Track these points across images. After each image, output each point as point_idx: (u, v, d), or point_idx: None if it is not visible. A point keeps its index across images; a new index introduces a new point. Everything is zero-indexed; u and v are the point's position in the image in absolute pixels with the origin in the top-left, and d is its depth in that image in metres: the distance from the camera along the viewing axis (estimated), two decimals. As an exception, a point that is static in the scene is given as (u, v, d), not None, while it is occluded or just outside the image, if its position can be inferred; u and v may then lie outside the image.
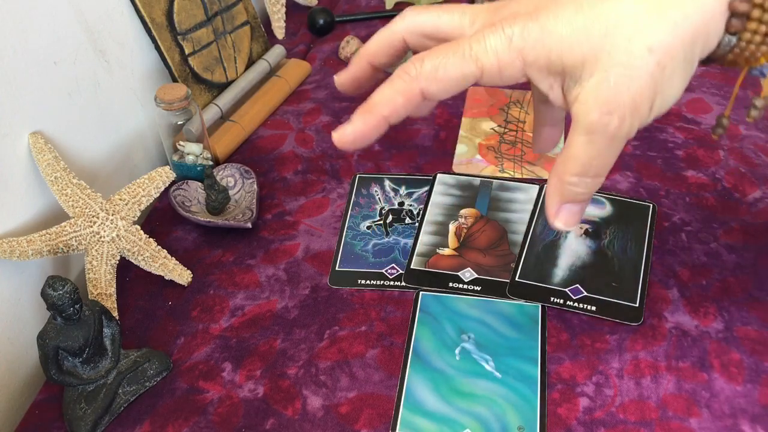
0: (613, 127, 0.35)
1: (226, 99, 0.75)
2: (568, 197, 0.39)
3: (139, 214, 0.58)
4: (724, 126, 0.45)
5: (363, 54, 0.41)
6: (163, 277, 0.58)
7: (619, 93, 0.34)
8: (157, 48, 0.69)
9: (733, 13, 0.34)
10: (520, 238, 0.59)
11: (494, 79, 0.37)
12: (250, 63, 0.81)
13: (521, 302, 0.54)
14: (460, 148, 0.70)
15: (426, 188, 0.65)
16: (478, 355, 0.51)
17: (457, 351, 0.51)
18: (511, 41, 0.35)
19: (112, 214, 0.56)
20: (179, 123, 0.65)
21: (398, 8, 0.96)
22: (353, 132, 0.39)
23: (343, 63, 0.86)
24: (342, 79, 0.43)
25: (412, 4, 0.96)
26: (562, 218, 0.40)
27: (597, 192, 0.62)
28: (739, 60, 0.37)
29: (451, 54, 0.37)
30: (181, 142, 0.66)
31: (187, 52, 0.71)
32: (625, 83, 0.34)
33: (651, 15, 0.34)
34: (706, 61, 0.37)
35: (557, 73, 0.36)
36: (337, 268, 0.59)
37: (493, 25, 0.36)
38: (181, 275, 0.58)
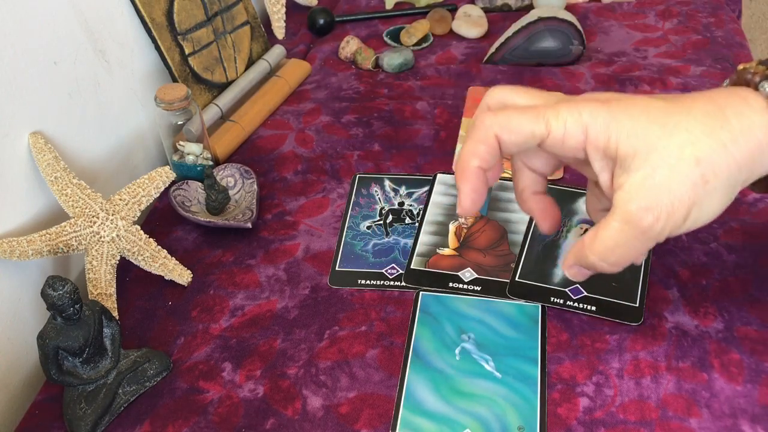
0: (647, 222, 0.38)
1: (226, 99, 0.75)
2: (584, 264, 0.43)
3: (139, 214, 0.58)
4: None
5: (471, 164, 0.43)
6: (163, 277, 0.58)
7: (661, 193, 0.38)
8: (157, 48, 0.69)
9: None
10: (520, 238, 0.59)
11: (557, 145, 0.41)
12: (250, 63, 0.81)
13: (521, 302, 0.54)
14: (460, 148, 0.70)
15: (426, 188, 0.65)
16: (478, 355, 0.51)
17: (457, 351, 0.51)
18: (581, 116, 0.40)
19: (112, 214, 0.56)
20: (179, 123, 0.65)
21: (398, 8, 0.96)
22: (464, 198, 0.44)
23: (344, 63, 0.86)
24: (467, 205, 0.45)
25: (412, 4, 0.96)
26: (572, 272, 0.45)
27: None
28: None
29: (526, 113, 0.41)
30: (181, 142, 0.66)
31: (187, 52, 0.71)
32: (667, 185, 0.37)
33: (705, 131, 0.38)
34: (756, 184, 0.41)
35: (611, 158, 0.40)
36: (337, 268, 0.59)
37: (569, 102, 0.41)
38: (181, 275, 0.58)
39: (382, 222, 0.63)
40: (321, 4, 0.97)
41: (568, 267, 0.45)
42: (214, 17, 0.75)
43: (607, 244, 0.40)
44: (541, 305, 0.54)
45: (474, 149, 0.42)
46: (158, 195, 0.60)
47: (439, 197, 0.64)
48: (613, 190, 0.40)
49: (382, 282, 0.57)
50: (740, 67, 0.41)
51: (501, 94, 0.44)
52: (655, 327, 0.52)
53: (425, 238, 0.60)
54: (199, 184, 0.67)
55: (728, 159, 0.37)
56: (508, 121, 0.41)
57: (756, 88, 0.39)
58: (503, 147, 0.42)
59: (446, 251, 0.59)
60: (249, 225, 0.61)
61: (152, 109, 0.71)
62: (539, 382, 0.49)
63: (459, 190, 0.44)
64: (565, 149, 0.41)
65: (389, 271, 0.58)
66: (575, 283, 0.55)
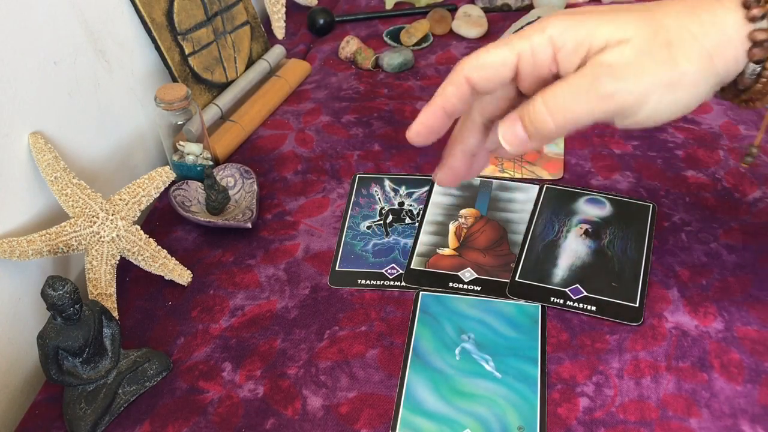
0: (603, 83, 0.38)
1: (226, 99, 0.75)
2: (521, 112, 0.41)
3: (139, 214, 0.58)
4: (754, 155, 0.48)
5: (435, 101, 0.43)
6: (163, 277, 0.58)
7: (629, 67, 0.38)
8: (157, 48, 0.69)
9: (754, 42, 0.37)
10: (520, 238, 0.59)
11: (528, 64, 0.40)
12: (250, 63, 0.81)
13: (521, 302, 0.54)
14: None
15: (426, 188, 0.65)
16: (478, 355, 0.51)
17: (457, 351, 0.51)
18: (544, 31, 0.40)
19: (112, 214, 0.56)
20: (179, 123, 0.65)
21: (398, 8, 0.96)
22: (419, 124, 0.43)
23: (344, 63, 0.86)
24: (414, 130, 0.44)
25: (412, 4, 0.96)
26: (506, 127, 0.42)
27: (597, 192, 0.62)
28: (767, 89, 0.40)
29: (493, 46, 0.41)
30: (181, 142, 0.66)
31: (187, 52, 0.71)
32: (638, 61, 0.38)
33: (677, 24, 0.38)
34: (739, 94, 0.40)
35: (583, 55, 0.39)
36: (337, 268, 0.59)
37: (534, 23, 0.41)
38: (181, 275, 0.58)
39: (382, 222, 0.63)
40: (321, 4, 0.97)
41: (508, 120, 0.42)
42: (214, 17, 0.75)
43: (561, 93, 0.39)
44: (541, 305, 0.54)
45: (441, 90, 0.42)
46: (158, 195, 0.60)
47: (439, 197, 0.64)
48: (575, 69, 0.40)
49: (382, 282, 0.57)
50: None
51: (476, 58, 0.44)
52: (655, 327, 0.52)
53: (425, 238, 0.60)
54: (199, 184, 0.67)
55: (699, 48, 0.38)
56: (476, 58, 0.41)
57: None
58: (477, 88, 0.42)
59: (446, 251, 0.59)
60: (249, 225, 0.61)
61: (152, 109, 0.71)
62: (539, 382, 0.49)
63: (418, 117, 0.43)
64: (537, 66, 0.40)
65: (389, 271, 0.58)
66: (575, 283, 0.55)
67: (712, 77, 0.38)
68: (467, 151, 0.46)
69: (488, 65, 0.41)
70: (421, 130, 0.43)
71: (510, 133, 0.41)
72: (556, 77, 0.41)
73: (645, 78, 0.38)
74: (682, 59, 0.38)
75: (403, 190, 0.66)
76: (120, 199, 0.57)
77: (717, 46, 0.38)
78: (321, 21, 0.91)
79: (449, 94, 0.42)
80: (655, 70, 0.38)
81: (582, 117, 0.39)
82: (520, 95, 0.44)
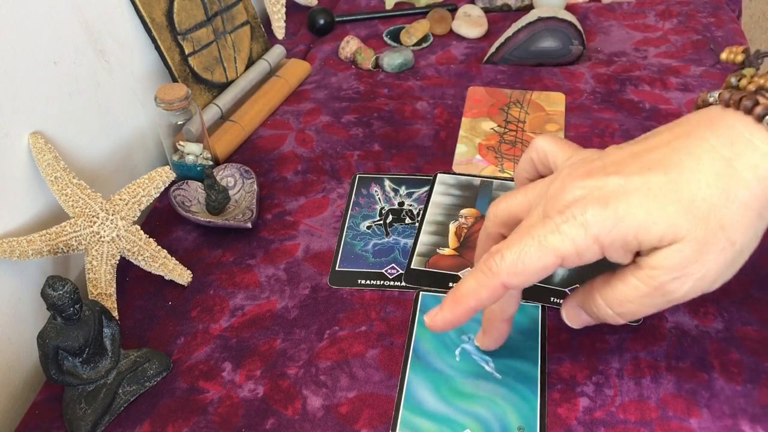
0: (673, 289, 0.38)
1: (226, 99, 0.75)
2: (586, 308, 0.43)
3: (139, 214, 0.58)
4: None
5: (468, 306, 0.42)
6: (163, 277, 0.58)
7: (689, 263, 0.37)
8: (157, 48, 0.69)
9: None
10: (520, 238, 0.59)
11: (574, 263, 0.39)
12: (250, 63, 0.81)
13: (521, 302, 0.54)
14: (460, 148, 0.70)
15: (426, 188, 0.65)
16: (478, 356, 0.51)
17: (457, 352, 0.51)
18: (587, 229, 0.37)
19: (112, 214, 0.56)
20: (179, 123, 0.65)
21: (398, 8, 0.96)
22: (443, 320, 0.43)
23: (344, 63, 0.86)
24: (440, 325, 0.44)
25: (412, 4, 0.96)
26: (570, 314, 0.45)
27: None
28: None
29: (528, 246, 0.38)
30: (181, 142, 0.66)
31: (187, 52, 0.71)
32: (695, 257, 0.36)
33: (722, 196, 0.36)
34: None
35: (633, 249, 0.38)
36: (337, 268, 0.59)
37: (563, 213, 0.38)
38: (181, 275, 0.58)
39: (382, 222, 0.63)
40: (321, 4, 0.97)
41: (570, 307, 0.44)
42: (214, 17, 0.75)
43: (623, 295, 0.39)
44: (541, 305, 0.54)
45: (476, 292, 0.41)
46: (158, 195, 0.60)
47: (439, 197, 0.64)
48: (637, 264, 0.39)
49: (382, 282, 0.57)
50: (723, 56, 0.40)
51: (499, 210, 0.44)
52: (655, 327, 0.52)
53: (425, 238, 0.60)
54: (199, 184, 0.67)
55: (750, 215, 0.36)
56: (514, 266, 0.39)
57: (758, 119, 0.37)
58: (512, 288, 0.40)
59: (446, 251, 0.59)
60: (249, 225, 0.61)
61: (152, 109, 0.71)
62: (539, 382, 0.49)
63: (442, 309, 0.43)
64: (583, 261, 0.39)
65: (389, 271, 0.58)
66: (575, 283, 0.55)
67: (761, 230, 0.38)
68: (508, 319, 0.47)
69: (528, 273, 0.39)
70: (445, 326, 0.43)
71: (576, 319, 0.45)
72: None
73: (710, 271, 0.37)
74: (737, 235, 0.36)
75: (403, 190, 0.66)
76: (120, 199, 0.57)
77: (766, 202, 0.36)
78: (321, 21, 0.91)
79: (483, 298, 0.41)
80: (717, 258, 0.37)
81: (648, 312, 0.40)
82: None
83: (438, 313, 0.43)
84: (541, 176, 0.46)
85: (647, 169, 0.37)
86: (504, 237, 0.45)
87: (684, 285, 0.37)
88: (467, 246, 0.59)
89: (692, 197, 0.36)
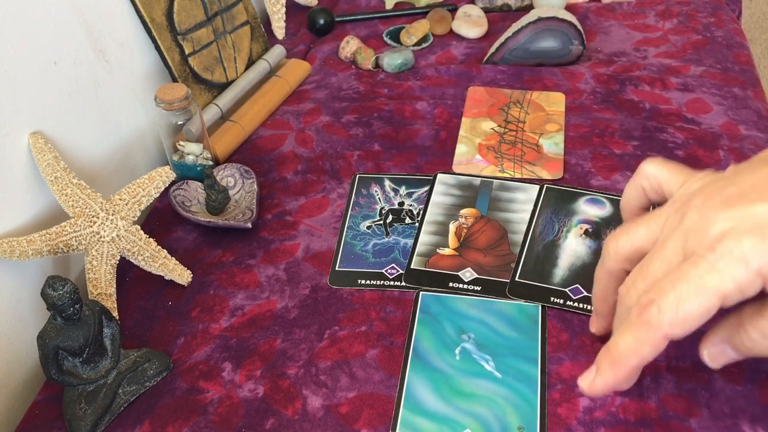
0: None
1: (226, 99, 0.75)
2: (736, 343, 0.40)
3: (139, 214, 0.58)
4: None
5: (631, 366, 0.40)
6: (163, 277, 0.58)
7: None
8: (157, 48, 0.69)
9: None
10: (520, 238, 0.59)
11: (736, 300, 0.36)
12: (250, 63, 0.81)
13: (521, 302, 0.54)
14: (460, 148, 0.70)
15: (426, 188, 0.65)
16: (478, 355, 0.51)
17: (457, 351, 0.51)
18: (748, 263, 0.35)
19: (112, 214, 0.56)
20: (179, 123, 0.65)
21: (398, 8, 0.96)
22: (605, 384, 0.40)
23: (344, 63, 0.86)
24: (600, 390, 0.42)
25: (412, 4, 0.96)
26: (715, 354, 0.42)
27: (597, 192, 0.62)
28: None
29: (685, 291, 0.36)
30: (181, 142, 0.66)
31: (187, 52, 0.71)
32: None
33: None
34: None
35: None
36: (337, 268, 0.59)
37: (715, 249, 0.36)
38: (181, 275, 0.58)
39: (382, 222, 0.63)
40: (321, 4, 0.97)
41: (712, 345, 0.42)
42: (214, 17, 0.75)
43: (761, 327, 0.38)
44: (541, 305, 0.54)
45: (638, 350, 0.39)
46: (158, 195, 0.60)
47: (439, 197, 0.64)
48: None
49: (382, 282, 0.57)
50: None
51: (619, 247, 0.43)
52: (655, 327, 0.52)
53: (425, 238, 0.60)
54: (199, 184, 0.67)
55: None
56: (675, 315, 0.36)
57: None
58: (674, 338, 0.38)
59: (446, 251, 0.59)
60: (249, 225, 0.61)
61: (152, 109, 0.71)
62: (539, 382, 0.49)
63: (600, 371, 0.41)
64: (745, 297, 0.36)
65: (389, 271, 0.58)
66: (575, 283, 0.55)
67: None
68: (639, 366, 0.43)
69: (691, 320, 0.36)
70: (607, 390, 0.41)
71: (721, 358, 0.42)
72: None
73: None
74: None
75: (403, 190, 0.66)
76: (120, 199, 0.57)
77: None
78: (321, 21, 0.91)
79: (646, 353, 0.39)
80: None
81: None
82: None
83: (597, 377, 0.41)
84: (652, 203, 0.44)
85: None
86: (627, 272, 0.42)
87: None
88: (467, 246, 0.59)
89: None
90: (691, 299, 0.36)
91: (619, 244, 0.43)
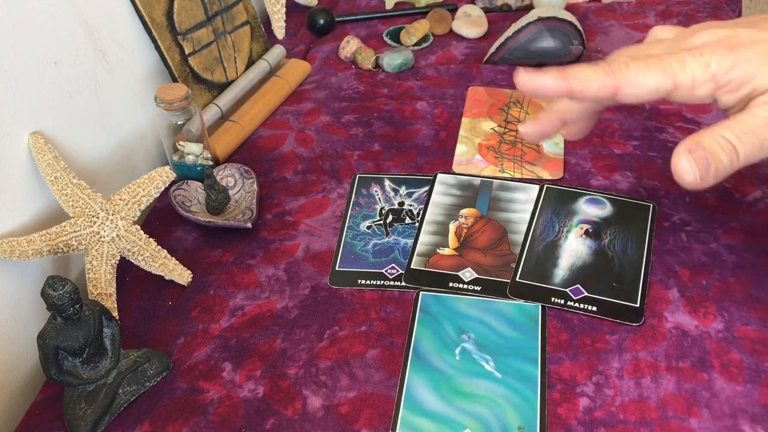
0: None
1: (226, 99, 0.75)
2: (705, 141, 0.41)
3: (139, 214, 0.58)
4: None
5: (570, 86, 0.44)
6: (163, 277, 0.58)
7: None
8: (157, 48, 0.69)
9: None
10: (520, 238, 0.59)
11: (684, 95, 0.42)
12: (250, 63, 0.81)
13: (521, 302, 0.54)
14: (460, 148, 0.70)
15: (426, 188, 0.65)
16: (478, 355, 0.51)
17: (457, 351, 0.51)
18: (708, 66, 0.41)
19: (112, 214, 0.56)
20: (179, 123, 0.65)
21: (398, 8, 0.96)
22: (541, 82, 0.44)
23: (344, 63, 0.86)
24: (528, 130, 0.49)
25: (412, 4, 0.96)
26: (684, 159, 0.42)
27: (597, 192, 0.62)
28: None
29: (654, 66, 0.42)
30: (181, 142, 0.66)
31: (187, 52, 0.71)
32: None
33: None
34: None
35: (745, 93, 0.41)
36: (337, 268, 0.59)
37: (693, 50, 0.42)
38: (181, 275, 0.58)
39: (382, 222, 0.63)
40: (321, 4, 0.97)
41: (684, 152, 0.42)
42: (214, 17, 0.75)
43: (747, 125, 0.41)
44: (541, 305, 0.54)
45: (587, 79, 0.43)
46: (158, 195, 0.60)
47: (439, 197, 0.64)
48: (741, 107, 0.42)
49: (382, 282, 0.57)
50: None
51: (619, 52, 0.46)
52: (655, 327, 0.52)
53: (425, 238, 0.60)
54: (199, 184, 0.67)
55: None
56: (635, 77, 0.42)
57: None
58: (619, 98, 0.43)
59: (446, 251, 0.59)
60: (249, 225, 0.61)
61: (152, 109, 0.71)
62: (539, 382, 0.49)
63: (544, 73, 0.44)
64: (693, 98, 0.42)
65: (389, 271, 0.58)
66: (576, 283, 0.55)
67: None
68: (562, 119, 0.48)
69: (643, 88, 0.42)
70: (536, 87, 0.45)
71: (687, 166, 0.42)
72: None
73: None
74: None
75: (403, 190, 0.66)
76: (120, 199, 0.57)
77: None
78: (321, 21, 0.91)
79: (591, 90, 0.43)
80: None
81: (760, 155, 0.41)
82: None
83: (539, 75, 0.44)
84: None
85: None
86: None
87: None
88: (467, 246, 0.59)
89: None
90: (654, 73, 0.42)
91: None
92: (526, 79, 0.44)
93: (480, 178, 0.66)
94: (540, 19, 0.79)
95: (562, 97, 0.45)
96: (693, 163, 0.41)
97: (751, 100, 0.41)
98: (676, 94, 0.42)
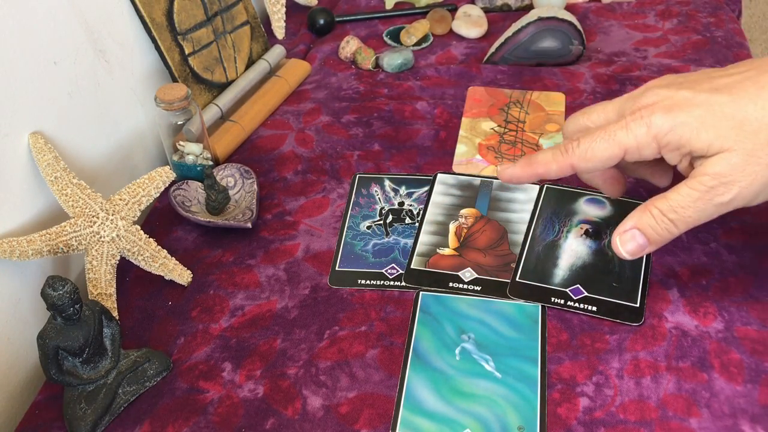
0: (721, 196, 0.43)
1: (226, 99, 0.75)
2: (641, 224, 0.46)
3: (139, 214, 0.58)
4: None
5: (536, 172, 0.50)
6: (163, 277, 0.58)
7: (736, 173, 0.42)
8: (157, 48, 0.69)
9: None
10: (520, 238, 0.59)
11: (634, 156, 0.46)
12: (250, 63, 0.81)
13: (521, 302, 0.54)
14: (460, 148, 0.70)
15: (426, 188, 0.65)
16: (478, 355, 0.51)
17: (457, 351, 0.51)
18: (649, 128, 0.44)
19: (112, 214, 0.56)
20: (179, 123, 0.65)
21: (398, 8, 0.96)
22: (512, 173, 0.51)
23: (344, 63, 0.86)
24: (508, 176, 0.52)
25: (412, 4, 0.96)
26: (626, 239, 0.47)
27: (597, 192, 0.62)
28: None
29: (600, 139, 0.46)
30: (181, 142, 0.66)
31: (187, 52, 0.71)
32: (742, 167, 0.42)
33: None
34: None
35: (686, 153, 0.45)
36: (337, 268, 0.59)
37: (634, 114, 0.45)
38: (181, 275, 0.58)
39: (382, 222, 0.63)
40: (321, 4, 0.97)
41: (621, 233, 0.47)
42: (214, 17, 0.75)
43: (674, 203, 0.44)
44: (541, 305, 0.54)
45: (548, 164, 0.49)
46: (158, 195, 0.60)
47: (439, 197, 0.64)
48: (689, 171, 0.45)
49: (382, 282, 0.57)
50: None
51: (574, 121, 0.51)
52: (655, 327, 0.52)
53: (425, 238, 0.60)
54: (199, 184, 0.67)
55: None
56: (585, 153, 0.47)
57: None
58: (578, 171, 0.48)
59: (446, 251, 0.59)
60: (249, 225, 0.61)
61: (152, 109, 0.71)
62: (539, 382, 0.49)
63: (516, 165, 0.51)
64: (643, 157, 0.46)
65: (389, 271, 0.58)
66: (576, 283, 0.55)
67: None
68: (541, 173, 0.51)
69: (596, 160, 0.46)
70: (511, 179, 0.52)
71: (634, 245, 0.47)
72: (660, 161, 0.47)
73: (755, 182, 0.42)
74: None
75: (403, 190, 0.66)
76: (120, 199, 0.57)
77: None
78: (321, 21, 0.91)
79: (552, 171, 0.49)
80: (763, 171, 0.42)
81: (701, 221, 0.45)
82: None
83: (510, 167, 0.51)
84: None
85: (715, 90, 0.44)
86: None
87: (730, 191, 0.42)
88: (467, 246, 0.59)
89: (746, 116, 0.42)
90: (601, 144, 0.46)
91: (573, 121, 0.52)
92: (501, 170, 0.52)
93: (480, 178, 0.66)
94: (540, 19, 0.79)
95: (536, 179, 0.50)
96: (622, 242, 0.48)
97: (693, 160, 0.45)
98: (628, 157, 0.46)
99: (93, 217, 0.55)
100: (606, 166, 0.47)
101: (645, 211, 0.46)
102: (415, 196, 0.65)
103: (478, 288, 0.56)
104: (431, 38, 0.89)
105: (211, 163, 0.68)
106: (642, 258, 0.56)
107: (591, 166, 0.47)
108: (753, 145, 0.42)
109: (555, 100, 0.75)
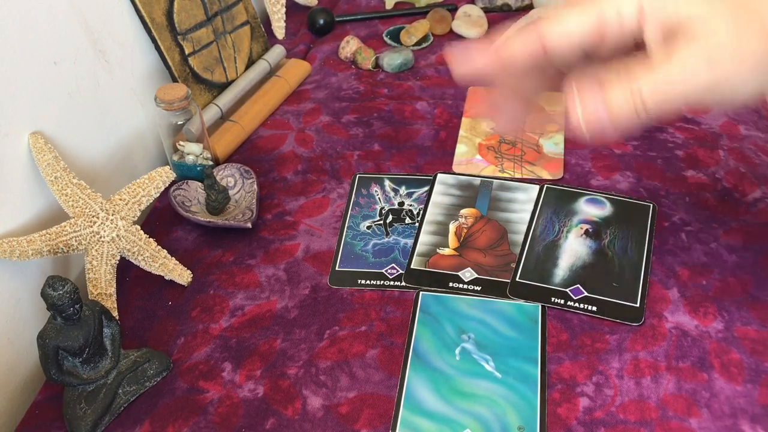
0: (704, 72, 0.37)
1: (226, 99, 0.75)
2: (609, 93, 0.39)
3: (139, 214, 0.58)
4: None
5: (497, 47, 0.42)
6: (163, 277, 0.58)
7: (722, 50, 0.37)
8: (157, 48, 0.69)
9: None
10: (520, 238, 0.59)
11: (614, 32, 0.39)
12: (250, 63, 0.81)
13: (521, 302, 0.54)
14: (460, 148, 0.70)
15: (426, 188, 0.65)
16: (478, 355, 0.51)
17: (457, 351, 0.51)
18: None
19: (112, 214, 0.56)
20: (179, 123, 0.65)
21: (398, 8, 0.96)
22: (477, 55, 0.43)
23: (344, 63, 0.86)
24: (464, 71, 0.45)
25: (412, 4, 0.96)
26: (584, 104, 0.39)
27: (597, 192, 0.62)
28: None
29: (574, 10, 0.39)
30: (181, 142, 0.66)
31: (187, 52, 0.71)
32: (730, 45, 0.36)
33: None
34: None
35: (668, 28, 0.38)
36: (337, 268, 0.59)
37: None
38: (181, 275, 0.58)
39: (382, 222, 0.63)
40: (321, 4, 0.97)
41: (576, 104, 0.40)
42: (214, 17, 0.75)
43: (661, 77, 0.38)
44: (541, 305, 0.54)
45: (505, 41, 0.41)
46: (158, 195, 0.60)
47: (439, 197, 0.64)
48: (667, 54, 0.39)
49: (382, 282, 0.57)
50: None
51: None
52: (655, 327, 0.52)
53: (425, 238, 0.60)
54: (199, 184, 0.67)
55: None
56: (558, 21, 0.39)
57: None
58: (550, 50, 0.40)
59: (446, 251, 0.59)
60: (249, 225, 0.61)
61: (152, 109, 0.71)
62: (539, 382, 0.49)
63: (475, 50, 0.43)
64: (624, 32, 0.39)
65: (389, 271, 0.58)
66: (576, 283, 0.55)
67: None
68: (520, 100, 0.46)
69: (570, 31, 0.39)
70: (463, 61, 0.44)
71: (590, 112, 0.40)
72: (637, 47, 0.40)
73: (743, 49, 0.37)
74: None
75: (403, 190, 0.66)
76: (120, 199, 0.57)
77: None
78: (321, 21, 0.91)
79: (516, 49, 0.41)
80: (750, 41, 0.37)
81: (678, 98, 0.38)
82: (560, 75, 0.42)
83: (478, 52, 0.43)
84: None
85: None
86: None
87: (714, 66, 0.37)
88: (467, 246, 0.59)
89: None
90: (576, 11, 0.39)
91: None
92: (456, 51, 0.44)
93: (480, 178, 0.66)
94: (540, 19, 0.79)
95: (495, 71, 0.43)
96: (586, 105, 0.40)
97: (673, 35, 0.38)
98: (608, 31, 0.39)
99: (93, 217, 0.55)
100: (579, 41, 0.39)
101: (614, 81, 0.39)
102: (415, 196, 0.65)
103: (478, 288, 0.56)
104: (431, 38, 0.89)
105: (211, 163, 0.68)
106: (642, 258, 0.56)
107: (566, 40, 0.39)
108: (738, 14, 0.37)
109: (555, 100, 0.75)
